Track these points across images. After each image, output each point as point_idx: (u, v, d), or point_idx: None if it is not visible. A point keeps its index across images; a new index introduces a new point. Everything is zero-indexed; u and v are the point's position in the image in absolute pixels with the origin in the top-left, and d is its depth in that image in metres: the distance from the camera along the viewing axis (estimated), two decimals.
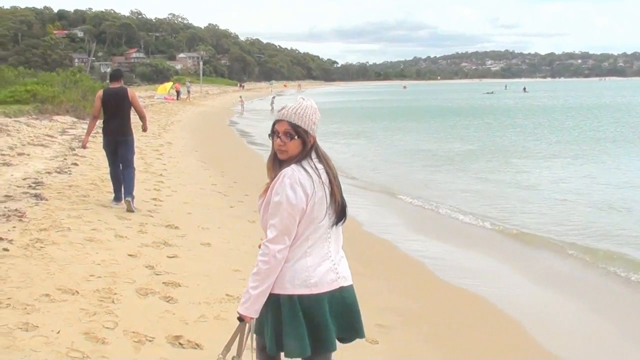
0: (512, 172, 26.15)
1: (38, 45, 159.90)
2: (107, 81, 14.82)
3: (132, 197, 13.32)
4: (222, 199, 16.55)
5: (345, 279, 4.63)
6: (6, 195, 12.62)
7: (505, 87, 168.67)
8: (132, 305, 7.74)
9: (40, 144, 21.44)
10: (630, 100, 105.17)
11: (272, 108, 68.87)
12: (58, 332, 6.54)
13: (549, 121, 57.22)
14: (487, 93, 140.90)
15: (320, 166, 4.52)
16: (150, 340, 6.78)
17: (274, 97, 77.63)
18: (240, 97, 79.94)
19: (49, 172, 16.07)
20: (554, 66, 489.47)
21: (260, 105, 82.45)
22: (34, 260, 8.68)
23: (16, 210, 11.37)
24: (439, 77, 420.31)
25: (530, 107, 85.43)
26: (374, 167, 27.90)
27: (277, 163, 4.59)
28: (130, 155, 13.65)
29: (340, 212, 4.59)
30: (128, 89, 13.99)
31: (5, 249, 8.94)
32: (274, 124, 4.56)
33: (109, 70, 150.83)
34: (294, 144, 4.48)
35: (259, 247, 4.53)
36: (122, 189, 13.40)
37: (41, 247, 9.35)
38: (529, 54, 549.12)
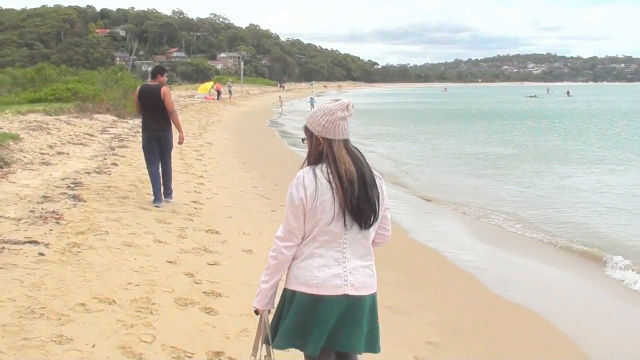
0: (559, 177, 25.71)
1: (80, 43, 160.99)
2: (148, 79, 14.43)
3: (171, 199, 13.86)
4: (264, 203, 16.18)
5: (354, 289, 4.54)
6: (44, 196, 12.31)
7: (548, 90, 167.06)
8: (171, 316, 7.38)
9: (80, 143, 21.20)
10: None
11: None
12: (93, 346, 6.20)
13: (594, 126, 56.49)
14: (530, 97, 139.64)
15: (332, 170, 4.47)
16: (189, 357, 6.42)
17: (312, 98, 77.71)
18: (280, 97, 79.82)
19: (87, 172, 15.78)
20: (596, 70, 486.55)
21: (300, 106, 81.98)
22: (70, 267, 8.34)
23: (54, 212, 11.06)
24: (480, 80, 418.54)
25: (576, 112, 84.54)
26: (418, 171, 27.35)
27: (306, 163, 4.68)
28: (169, 148, 13.85)
29: (358, 219, 4.49)
30: (163, 87, 13.75)
31: (41, 254, 8.61)
32: None
33: (149, 69, 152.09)
34: (307, 144, 4.64)
35: None
36: (162, 190, 13.63)
37: (78, 252, 9.02)
38: (571, 57, 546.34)
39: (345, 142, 4.54)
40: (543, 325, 9.66)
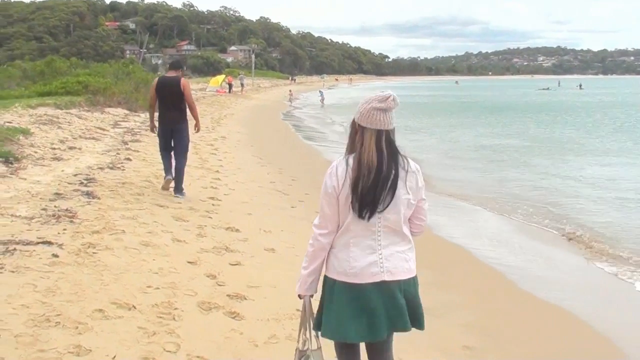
0: (580, 169, 25.40)
1: (90, 36, 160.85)
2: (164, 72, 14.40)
3: (182, 195, 13.68)
4: (282, 198, 15.76)
5: (391, 274, 4.60)
6: (56, 193, 11.83)
7: (559, 83, 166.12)
8: (195, 322, 6.94)
9: (92, 137, 20.76)
10: None
11: (322, 102, 69.35)
12: (114, 358, 5.75)
13: (609, 119, 56.13)
14: (542, 89, 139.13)
15: (356, 157, 4.57)
16: None
17: (321, 91, 78.76)
18: (290, 90, 79.57)
19: (101, 168, 15.31)
20: (606, 63, 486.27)
21: (312, 99, 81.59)
22: (86, 269, 7.88)
23: (67, 210, 10.58)
24: (490, 73, 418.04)
25: (590, 104, 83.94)
26: (436, 164, 26.72)
27: None
28: (185, 142, 13.90)
29: (372, 207, 4.55)
30: (182, 79, 13.86)
31: (55, 255, 8.13)
32: None
33: (160, 62, 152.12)
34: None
35: None
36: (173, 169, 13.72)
37: (94, 252, 8.54)
38: (581, 50, 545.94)
39: (380, 133, 4.59)
40: (579, 326, 9.27)
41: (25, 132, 17.75)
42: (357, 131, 4.64)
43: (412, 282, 4.73)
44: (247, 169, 20.00)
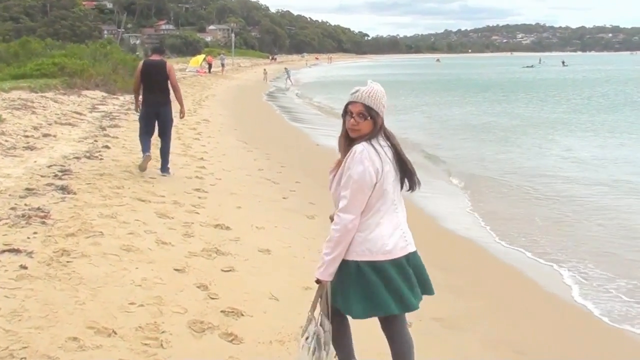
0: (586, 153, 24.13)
1: (67, 16, 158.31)
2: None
3: (168, 173, 14.02)
4: (273, 188, 14.70)
5: (412, 245, 5.02)
6: (28, 189, 10.77)
7: (540, 60, 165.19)
8: (186, 349, 5.96)
9: (68, 123, 19.62)
10: None
11: (289, 80, 71.42)
12: None
13: (599, 95, 55.66)
14: (527, 67, 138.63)
15: (385, 144, 4.90)
16: None
17: (287, 69, 79.14)
18: (265, 70, 79.11)
19: (77, 158, 14.24)
20: (584, 40, 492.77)
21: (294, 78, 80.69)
22: (59, 283, 6.84)
23: (39, 208, 9.53)
24: (470, 50, 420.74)
25: (577, 81, 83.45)
26: (430, 145, 25.83)
27: (347, 141, 4.96)
28: (169, 125, 14.17)
29: (413, 180, 5.03)
30: (167, 62, 14.37)
31: (23, 266, 7.10)
32: (347, 105, 4.95)
33: (138, 42, 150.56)
34: (366, 124, 4.86)
35: (330, 218, 5.04)
36: (151, 146, 13.89)
37: (67, 261, 7.51)
38: (560, 27, 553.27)
39: None
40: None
41: None
42: (380, 123, 4.91)
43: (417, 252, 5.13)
44: (232, 155, 18.94)
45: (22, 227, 8.57)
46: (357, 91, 4.95)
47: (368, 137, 4.87)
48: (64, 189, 11.03)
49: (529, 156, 23.33)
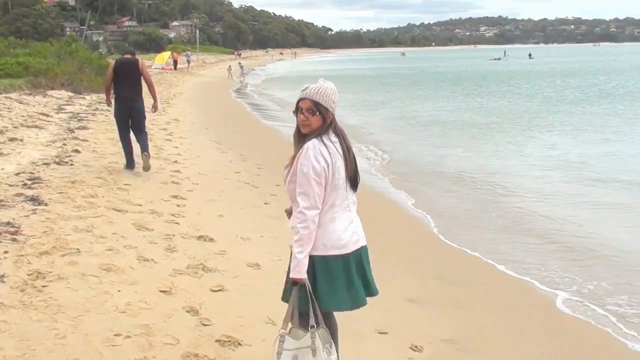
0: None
1: (29, 14, 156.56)
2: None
3: (148, 154, 14.13)
4: (253, 193, 14.10)
5: (363, 239, 5.17)
6: None
7: (505, 53, 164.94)
8: None
9: (35, 125, 18.83)
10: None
11: (242, 73, 74.26)
12: None
13: (574, 87, 55.24)
14: (495, 59, 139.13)
15: (336, 139, 5.01)
16: None
17: (240, 63, 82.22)
18: (230, 66, 78.09)
19: (46, 164, 13.48)
20: (547, 32, 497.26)
21: (263, 73, 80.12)
22: (35, 312, 6.17)
23: (9, 223, 8.81)
24: (433, 44, 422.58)
25: (547, 73, 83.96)
26: (402, 148, 24.65)
27: (301, 136, 5.05)
28: (142, 120, 14.41)
29: (353, 180, 5.11)
30: (139, 59, 15.00)
31: None
32: (298, 101, 5.02)
33: (101, 39, 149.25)
34: (315, 119, 4.95)
35: (286, 212, 5.36)
36: (134, 156, 14.30)
37: (43, 286, 6.81)
38: (522, 19, 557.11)
39: None
40: None
41: None
42: (331, 119, 5.01)
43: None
44: (207, 157, 18.27)
45: None
46: (306, 88, 5.05)
47: (318, 132, 4.98)
48: (34, 199, 10.30)
49: (506, 154, 22.72)
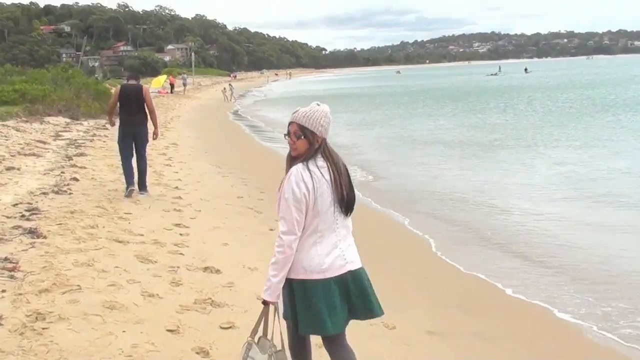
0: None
1: (25, 41, 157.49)
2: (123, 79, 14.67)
3: (147, 193, 14.56)
4: (257, 218, 13.71)
5: (353, 264, 5.06)
6: None
7: (499, 68, 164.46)
8: None
9: (32, 153, 18.49)
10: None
11: (232, 97, 72.87)
12: None
13: (575, 102, 54.15)
14: (491, 75, 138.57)
15: (324, 164, 4.96)
16: None
17: (231, 85, 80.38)
18: (224, 88, 77.52)
19: (44, 193, 13.12)
20: (540, 46, 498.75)
21: (254, 96, 79.88)
22: (35, 359, 5.75)
23: (6, 259, 8.41)
24: (427, 61, 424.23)
25: (546, 87, 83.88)
26: (390, 167, 24.12)
27: (291, 160, 5.09)
28: (144, 143, 14.78)
29: (346, 205, 5.03)
30: (144, 86, 15.49)
31: None
32: (288, 125, 5.08)
33: (97, 64, 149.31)
34: (301, 143, 4.98)
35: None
36: (135, 180, 14.46)
37: (44, 328, 6.41)
38: (515, 34, 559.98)
39: (326, 141, 5.05)
40: None
41: None
42: (319, 142, 4.98)
43: (364, 270, 5.16)
44: (208, 182, 17.92)
45: None
46: (296, 111, 5.07)
47: (305, 157, 4.97)
48: (32, 232, 9.92)
49: (510, 172, 22.08)
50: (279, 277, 4.92)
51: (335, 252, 4.97)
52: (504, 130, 34.68)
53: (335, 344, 5.18)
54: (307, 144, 4.97)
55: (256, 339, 5.11)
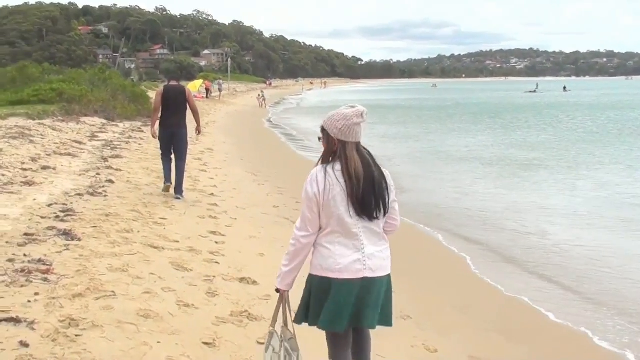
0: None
1: (63, 41, 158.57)
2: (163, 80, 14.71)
3: (182, 198, 14.52)
4: (293, 229, 13.38)
5: (372, 271, 5.01)
6: (27, 234, 9.49)
7: (537, 86, 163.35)
8: None
9: (68, 153, 18.43)
10: None
11: (264, 103, 73.06)
12: None
13: (617, 123, 53.07)
14: (530, 92, 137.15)
15: (339, 167, 4.95)
16: None
17: (263, 92, 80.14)
18: (258, 95, 77.79)
19: (79, 194, 12.97)
20: (578, 65, 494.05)
21: (290, 103, 79.75)
22: None
23: (40, 260, 8.23)
24: (463, 75, 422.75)
25: (587, 106, 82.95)
26: (417, 181, 23.46)
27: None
28: (184, 147, 14.85)
29: (363, 211, 4.96)
30: (186, 87, 15.75)
31: (24, 344, 5.81)
32: None
33: (133, 66, 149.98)
34: (323, 144, 5.13)
35: None
36: (173, 180, 14.67)
37: (77, 335, 6.19)
38: (554, 52, 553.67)
39: (357, 145, 5.04)
40: None
41: None
42: (335, 145, 4.99)
43: (388, 279, 5.18)
44: (243, 189, 17.78)
45: (22, 285, 7.27)
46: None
47: (322, 158, 5.11)
48: (67, 233, 9.75)
49: (549, 193, 21.44)
50: (289, 267, 5.21)
51: (354, 256, 4.98)
52: (544, 150, 33.67)
53: (342, 344, 5.31)
54: (325, 145, 5.09)
55: (279, 329, 5.36)
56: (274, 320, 5.42)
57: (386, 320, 5.28)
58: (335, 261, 4.97)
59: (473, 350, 8.25)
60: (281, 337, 5.31)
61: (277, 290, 5.35)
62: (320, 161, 5.11)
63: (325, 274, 5.01)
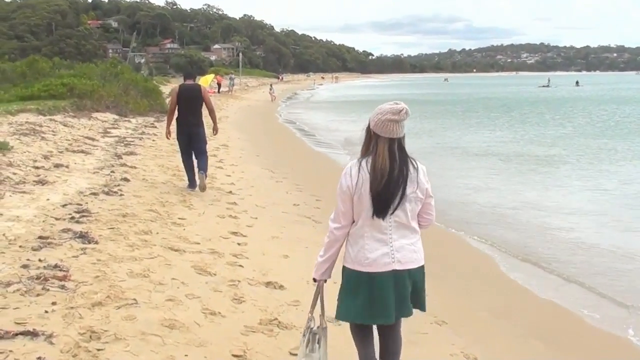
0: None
1: (72, 35, 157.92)
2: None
3: (205, 174, 14.65)
4: (316, 229, 12.94)
5: (401, 264, 5.07)
6: (41, 237, 9.04)
7: (549, 80, 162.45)
8: None
9: (81, 150, 17.98)
10: None
11: (274, 97, 73.39)
12: None
13: (633, 117, 52.56)
14: (543, 86, 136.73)
15: (371, 162, 5.01)
16: None
17: (272, 86, 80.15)
18: (270, 88, 78.08)
19: (94, 194, 12.53)
20: (589, 59, 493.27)
21: (302, 96, 79.39)
22: None
23: (56, 266, 7.78)
24: (474, 70, 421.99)
25: (598, 100, 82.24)
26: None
27: None
28: (203, 145, 14.87)
29: (378, 205, 5.00)
30: (202, 86, 15.92)
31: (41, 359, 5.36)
32: None
33: (142, 60, 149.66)
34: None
35: None
36: (196, 177, 14.70)
37: (98, 349, 5.76)
38: (564, 47, 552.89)
39: (392, 141, 5.04)
40: None
41: (4, 148, 15.06)
42: (371, 138, 5.10)
43: (419, 271, 5.25)
44: (261, 186, 17.35)
45: (38, 294, 6.83)
46: None
47: (361, 152, 5.19)
48: (83, 236, 9.30)
49: (570, 190, 20.84)
50: (323, 257, 5.33)
51: (382, 250, 5.06)
52: (564, 145, 32.85)
53: (387, 336, 5.49)
54: (365, 136, 5.18)
55: (317, 317, 5.47)
56: (312, 307, 5.52)
57: (420, 306, 5.38)
58: (364, 255, 5.05)
59: (513, 358, 7.81)
60: (313, 323, 5.45)
61: (315, 280, 5.47)
62: (361, 154, 5.15)
63: (355, 267, 5.12)
